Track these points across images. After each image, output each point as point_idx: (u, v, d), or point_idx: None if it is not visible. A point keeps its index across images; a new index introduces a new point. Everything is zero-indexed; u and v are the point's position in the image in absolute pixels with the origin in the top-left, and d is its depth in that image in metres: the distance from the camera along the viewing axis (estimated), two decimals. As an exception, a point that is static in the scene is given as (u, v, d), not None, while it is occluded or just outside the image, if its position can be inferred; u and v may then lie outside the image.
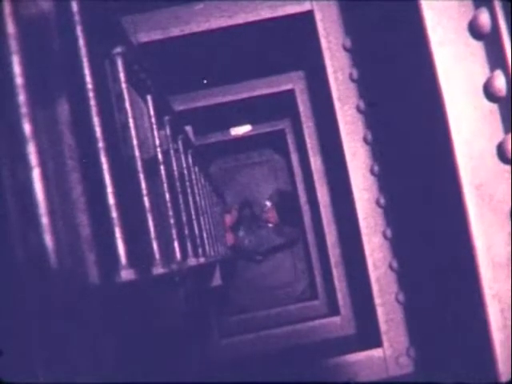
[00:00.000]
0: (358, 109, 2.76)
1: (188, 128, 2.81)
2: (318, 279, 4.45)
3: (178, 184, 1.86)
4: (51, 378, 0.61)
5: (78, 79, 0.89)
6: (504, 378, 1.49)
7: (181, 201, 1.84)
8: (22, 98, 0.63)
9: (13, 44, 0.63)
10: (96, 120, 0.89)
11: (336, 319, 3.76)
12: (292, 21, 2.89)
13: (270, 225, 5.03)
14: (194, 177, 2.38)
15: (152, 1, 2.76)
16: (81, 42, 0.90)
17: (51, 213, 0.63)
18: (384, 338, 2.79)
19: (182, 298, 1.67)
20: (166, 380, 1.46)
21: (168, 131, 1.87)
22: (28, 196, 0.62)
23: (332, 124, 2.86)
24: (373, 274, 2.78)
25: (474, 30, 1.47)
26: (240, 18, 2.82)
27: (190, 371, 2.50)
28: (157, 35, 2.81)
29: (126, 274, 0.91)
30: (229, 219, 4.77)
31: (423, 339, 2.64)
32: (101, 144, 0.89)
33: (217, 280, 2.86)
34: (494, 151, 1.49)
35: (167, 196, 1.54)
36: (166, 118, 1.85)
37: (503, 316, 1.50)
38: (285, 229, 4.81)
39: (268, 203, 5.07)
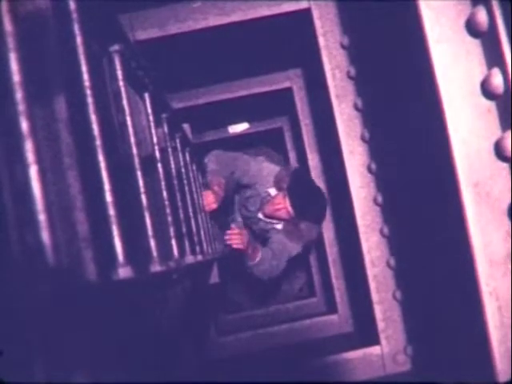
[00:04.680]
0: (356, 107, 2.77)
1: (186, 126, 2.81)
2: (316, 277, 4.45)
3: (175, 182, 1.86)
4: (49, 377, 0.61)
5: (76, 77, 0.89)
6: (502, 376, 1.49)
7: (178, 198, 1.84)
8: (19, 95, 0.63)
9: (10, 41, 0.63)
10: (93, 118, 0.89)
11: (334, 317, 3.76)
12: (290, 19, 2.89)
13: (279, 226, 3.39)
14: (191, 175, 2.38)
15: (149, -1, 2.77)
16: (78, 39, 0.90)
17: (48, 210, 0.63)
18: (381, 335, 2.79)
19: (179, 295, 1.67)
20: (163, 378, 1.46)
21: (166, 129, 1.87)
22: (25, 193, 0.62)
23: (330, 122, 2.87)
24: (370, 272, 2.78)
25: (472, 28, 1.47)
26: (238, 16, 2.82)
27: (188, 369, 2.51)
28: (154, 33, 2.81)
29: (124, 272, 0.91)
30: (210, 198, 3.03)
31: (421, 337, 2.65)
32: (98, 142, 0.89)
33: (214, 278, 2.86)
34: (492, 149, 1.49)
35: (165, 194, 1.54)
36: (164, 115, 1.85)
37: (501, 314, 1.50)
38: (301, 225, 3.24)
39: (271, 191, 3.37)
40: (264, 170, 3.40)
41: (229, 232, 3.08)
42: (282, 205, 3.20)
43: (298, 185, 3.21)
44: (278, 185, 3.32)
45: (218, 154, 3.35)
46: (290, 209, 3.17)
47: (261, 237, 3.62)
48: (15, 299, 0.61)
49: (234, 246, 3.02)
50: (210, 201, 3.01)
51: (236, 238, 3.02)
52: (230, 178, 3.32)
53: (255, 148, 5.17)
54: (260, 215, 3.47)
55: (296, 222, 3.24)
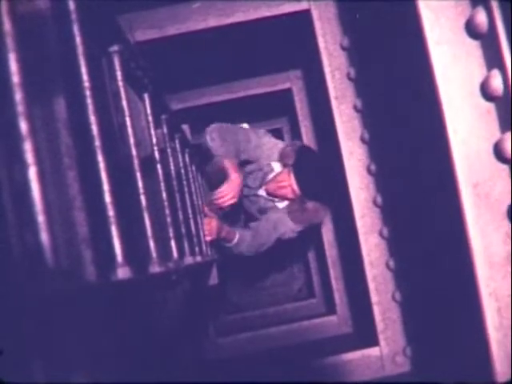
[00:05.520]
0: (355, 108, 2.77)
1: (185, 127, 2.81)
2: (315, 278, 4.44)
3: (174, 183, 1.86)
4: (48, 377, 0.61)
5: (75, 77, 0.89)
6: (501, 377, 1.49)
7: (178, 199, 1.84)
8: (18, 96, 0.63)
9: (9, 42, 0.63)
10: (93, 118, 0.89)
11: (333, 318, 3.76)
12: (289, 20, 2.89)
13: (281, 204, 3.09)
14: (190, 175, 2.38)
15: (149, -1, 2.77)
16: (77, 40, 0.89)
17: (48, 211, 0.63)
18: (381, 336, 2.79)
19: (178, 296, 1.67)
20: (162, 379, 1.46)
21: (165, 130, 1.87)
22: (24, 194, 0.62)
23: (329, 123, 2.86)
24: (369, 273, 2.78)
25: (471, 30, 1.47)
26: (237, 17, 2.82)
27: (187, 370, 2.50)
28: (154, 34, 2.81)
29: (123, 273, 0.91)
30: (229, 192, 2.73)
31: (420, 338, 2.65)
32: (97, 142, 0.89)
33: (213, 279, 2.86)
34: (491, 150, 1.49)
35: (164, 195, 1.54)
36: (163, 116, 1.85)
37: (500, 315, 1.50)
38: (308, 205, 2.94)
39: (275, 166, 3.06)
40: (265, 145, 3.10)
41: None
42: (287, 182, 2.93)
43: (304, 161, 2.93)
44: (283, 161, 3.02)
45: (219, 128, 2.95)
46: (295, 187, 2.91)
47: (255, 216, 3.32)
48: (15, 300, 0.61)
49: (206, 239, 2.69)
50: (228, 193, 2.72)
51: (205, 228, 2.70)
52: (239, 156, 2.96)
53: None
54: (261, 192, 3.19)
55: (302, 202, 2.97)
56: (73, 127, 0.82)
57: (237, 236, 2.99)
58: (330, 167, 3.05)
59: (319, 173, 2.94)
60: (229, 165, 2.79)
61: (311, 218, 3.06)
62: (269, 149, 3.08)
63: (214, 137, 2.85)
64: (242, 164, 3.12)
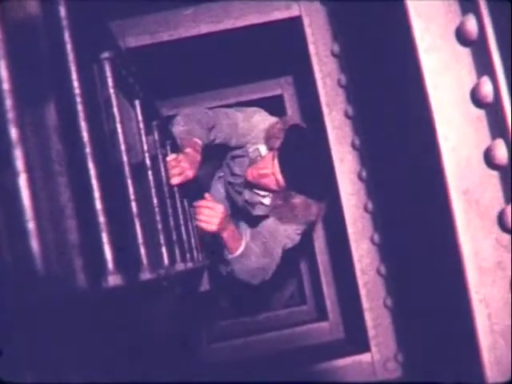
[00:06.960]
0: (346, 114, 2.77)
1: (176, 133, 2.80)
2: (306, 284, 4.44)
3: (166, 189, 1.85)
4: (40, 379, 0.62)
5: (66, 84, 0.89)
6: (491, 381, 1.50)
7: (169, 206, 1.83)
8: (8, 102, 0.63)
9: None
10: (83, 125, 0.89)
11: (324, 324, 3.76)
12: (280, 26, 2.90)
13: (266, 200, 2.51)
14: (182, 182, 2.36)
15: (141, 5, 2.76)
16: (68, 46, 0.89)
17: (38, 218, 0.63)
18: (372, 342, 2.79)
19: (170, 303, 1.66)
20: (155, 381, 1.46)
21: (156, 136, 1.86)
22: (14, 201, 0.61)
23: (320, 129, 2.87)
24: (361, 279, 2.78)
25: (462, 37, 1.48)
26: (229, 24, 2.83)
27: (179, 376, 2.50)
28: (145, 40, 2.81)
29: (113, 280, 0.91)
30: (184, 164, 1.99)
31: (411, 344, 2.65)
32: (88, 149, 0.89)
33: (205, 285, 2.85)
34: (481, 157, 1.50)
35: (155, 201, 1.54)
36: (155, 122, 1.85)
37: (490, 321, 1.50)
38: (295, 200, 2.34)
39: (262, 148, 2.49)
40: (259, 125, 2.54)
41: (199, 203, 2.20)
42: (270, 169, 2.34)
43: (293, 144, 2.34)
44: (268, 141, 2.43)
45: (188, 112, 2.42)
46: (278, 176, 2.32)
47: (244, 214, 2.79)
48: (6, 305, 0.61)
49: (199, 224, 2.20)
50: (184, 167, 1.98)
51: (205, 212, 2.18)
52: (209, 137, 2.35)
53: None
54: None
55: (287, 196, 2.38)
56: (63, 134, 0.82)
57: (242, 245, 2.42)
58: (325, 154, 2.64)
59: (311, 160, 2.36)
60: (185, 142, 2.17)
61: (302, 216, 2.48)
62: (259, 129, 2.55)
63: (178, 120, 2.34)
64: (229, 150, 2.70)
